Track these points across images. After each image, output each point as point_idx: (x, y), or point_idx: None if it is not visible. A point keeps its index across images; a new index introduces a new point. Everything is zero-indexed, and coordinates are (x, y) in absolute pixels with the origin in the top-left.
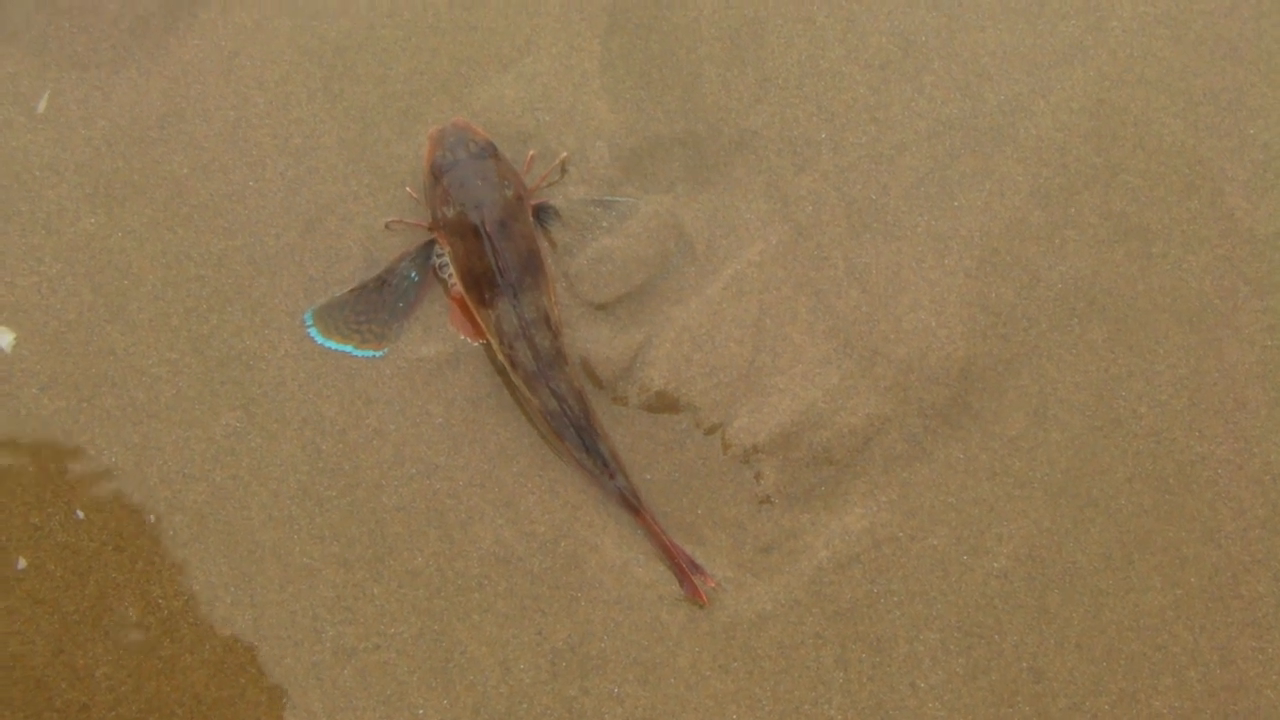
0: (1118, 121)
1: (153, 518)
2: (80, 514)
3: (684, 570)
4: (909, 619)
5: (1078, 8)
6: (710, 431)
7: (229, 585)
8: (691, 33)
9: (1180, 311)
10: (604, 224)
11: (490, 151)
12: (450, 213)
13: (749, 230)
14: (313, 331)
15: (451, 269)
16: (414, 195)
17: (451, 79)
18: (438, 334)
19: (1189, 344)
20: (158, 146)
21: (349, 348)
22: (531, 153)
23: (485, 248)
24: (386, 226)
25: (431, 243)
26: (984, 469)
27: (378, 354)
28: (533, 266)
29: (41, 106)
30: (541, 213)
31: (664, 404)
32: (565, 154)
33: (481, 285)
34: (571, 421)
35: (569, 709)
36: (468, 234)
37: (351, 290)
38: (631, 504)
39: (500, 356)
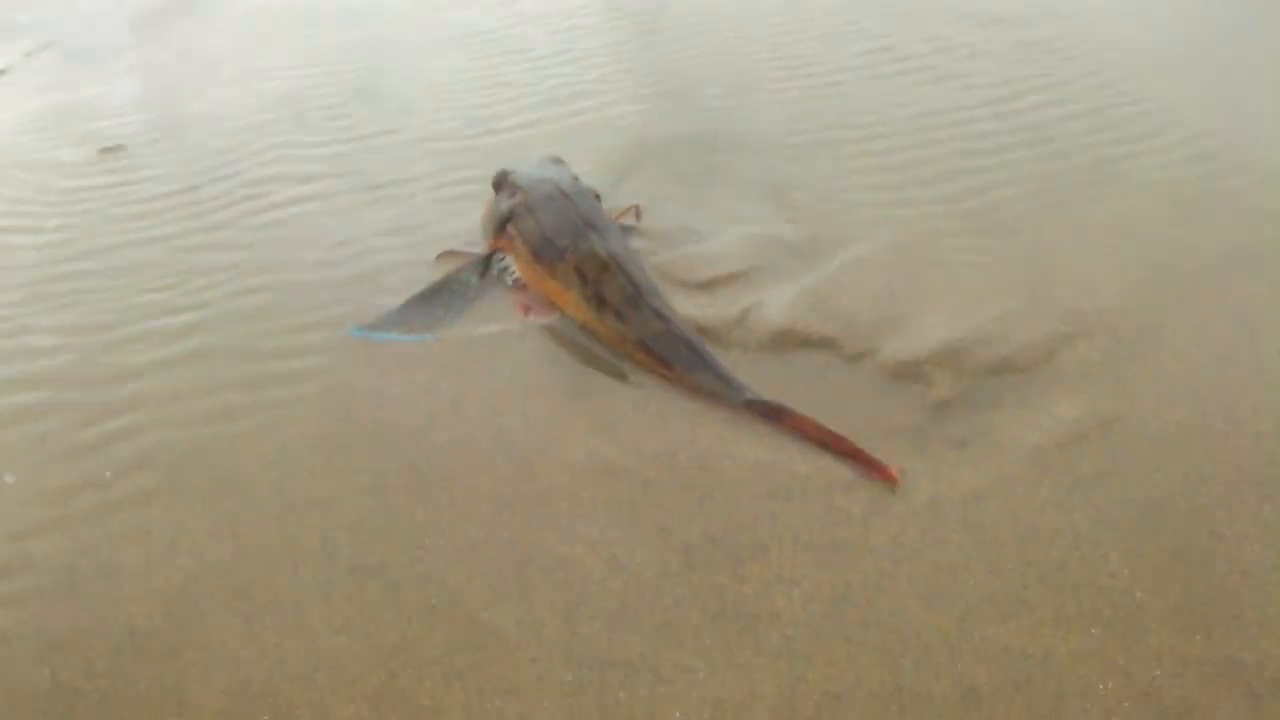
0: None
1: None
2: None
3: (859, 455)
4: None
5: None
6: (855, 360)
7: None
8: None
9: None
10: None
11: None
12: (519, 197)
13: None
14: (354, 331)
15: (515, 266)
16: (450, 251)
17: None
18: (501, 319)
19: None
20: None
21: (393, 335)
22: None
23: (564, 203)
24: (437, 259)
25: (490, 255)
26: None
27: (427, 336)
28: (611, 222)
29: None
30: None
31: (791, 342)
32: (639, 203)
33: (556, 243)
34: (681, 339)
35: (719, 596)
36: (541, 202)
37: (410, 299)
38: (772, 410)
39: (582, 313)
